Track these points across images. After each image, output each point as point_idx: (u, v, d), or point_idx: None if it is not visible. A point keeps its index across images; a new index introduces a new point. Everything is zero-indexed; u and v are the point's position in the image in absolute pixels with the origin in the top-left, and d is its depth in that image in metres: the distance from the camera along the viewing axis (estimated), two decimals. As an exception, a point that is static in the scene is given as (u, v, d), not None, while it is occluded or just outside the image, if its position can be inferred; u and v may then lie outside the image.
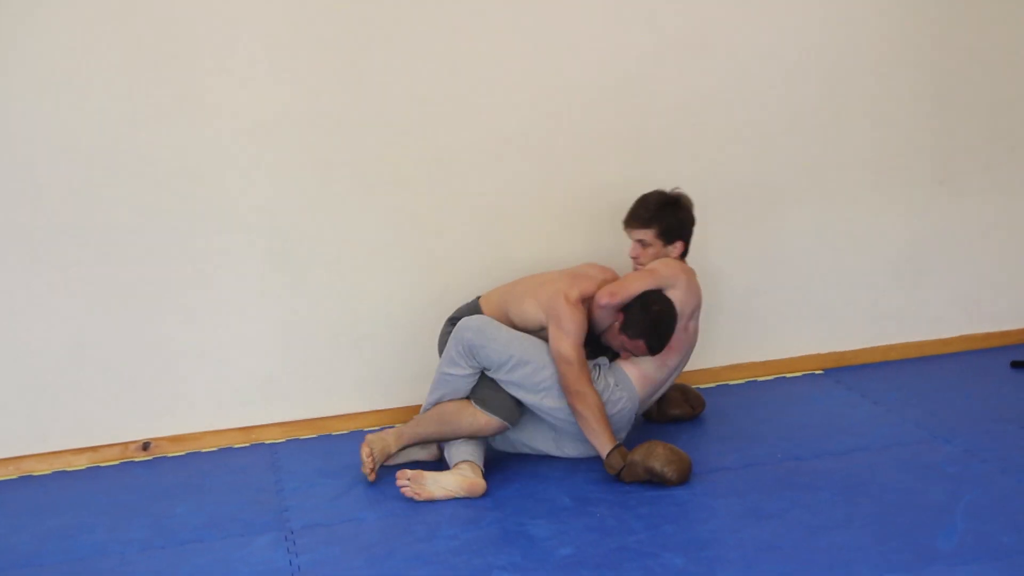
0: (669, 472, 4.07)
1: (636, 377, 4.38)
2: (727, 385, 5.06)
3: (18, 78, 4.39)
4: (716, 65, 4.91)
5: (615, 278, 4.44)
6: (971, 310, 5.30)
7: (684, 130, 4.92)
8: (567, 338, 4.24)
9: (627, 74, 4.84)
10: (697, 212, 4.89)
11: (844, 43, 5.00)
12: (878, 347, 5.23)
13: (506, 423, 4.29)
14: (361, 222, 4.75)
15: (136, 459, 4.67)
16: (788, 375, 5.13)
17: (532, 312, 4.37)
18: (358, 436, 4.70)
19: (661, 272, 4.40)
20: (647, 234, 4.50)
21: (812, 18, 4.97)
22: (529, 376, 4.26)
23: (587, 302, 4.36)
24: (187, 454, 4.69)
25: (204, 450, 4.71)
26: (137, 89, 4.48)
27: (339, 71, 4.63)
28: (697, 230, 4.92)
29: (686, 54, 4.88)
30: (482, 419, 4.27)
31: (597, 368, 4.38)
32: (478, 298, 4.54)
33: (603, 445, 4.18)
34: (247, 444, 4.75)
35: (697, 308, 4.48)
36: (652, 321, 4.28)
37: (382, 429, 4.60)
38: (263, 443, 4.75)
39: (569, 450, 4.40)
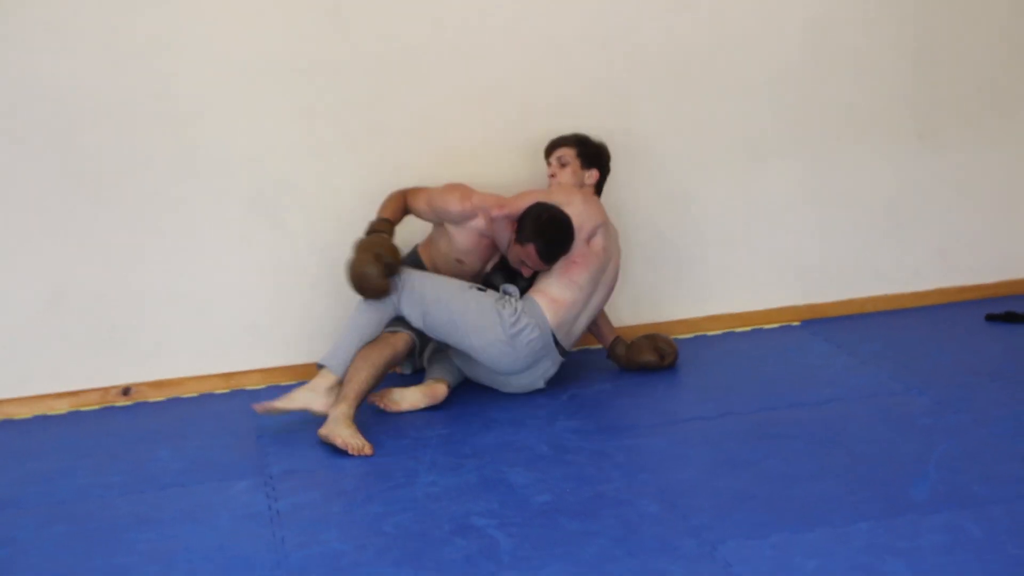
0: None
1: (545, 304, 4.42)
2: (705, 336, 5.10)
3: (-2, 21, 4.37)
4: (699, 18, 4.90)
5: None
6: (948, 263, 5.33)
7: (667, 83, 4.93)
8: (427, 190, 4.55)
9: (610, 26, 4.83)
10: (679, 164, 4.91)
11: (826, -4, 5.01)
12: (855, 299, 5.26)
13: (410, 333, 4.39)
14: (343, 169, 4.75)
15: (117, 404, 4.69)
16: (765, 326, 5.16)
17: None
18: (338, 383, 4.74)
19: (554, 192, 4.56)
20: (567, 152, 4.64)
21: (795, -30, 4.97)
22: (450, 323, 4.36)
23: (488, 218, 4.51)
24: (168, 399, 4.71)
25: (185, 396, 4.73)
26: (117, 34, 4.46)
27: (322, 17, 4.61)
28: (680, 180, 4.97)
29: (669, 6, 4.87)
30: (393, 339, 4.36)
31: (506, 297, 4.43)
32: (416, 248, 4.67)
33: (375, 221, 4.46)
34: (228, 390, 4.77)
35: (600, 227, 4.53)
36: (540, 225, 4.35)
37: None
38: (244, 389, 4.77)
39: (503, 387, 4.52)
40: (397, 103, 4.73)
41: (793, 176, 5.13)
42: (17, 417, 4.61)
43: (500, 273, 4.59)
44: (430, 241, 4.68)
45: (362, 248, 4.32)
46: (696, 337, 5.08)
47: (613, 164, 4.76)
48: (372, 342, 4.35)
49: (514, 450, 4.07)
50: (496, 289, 4.50)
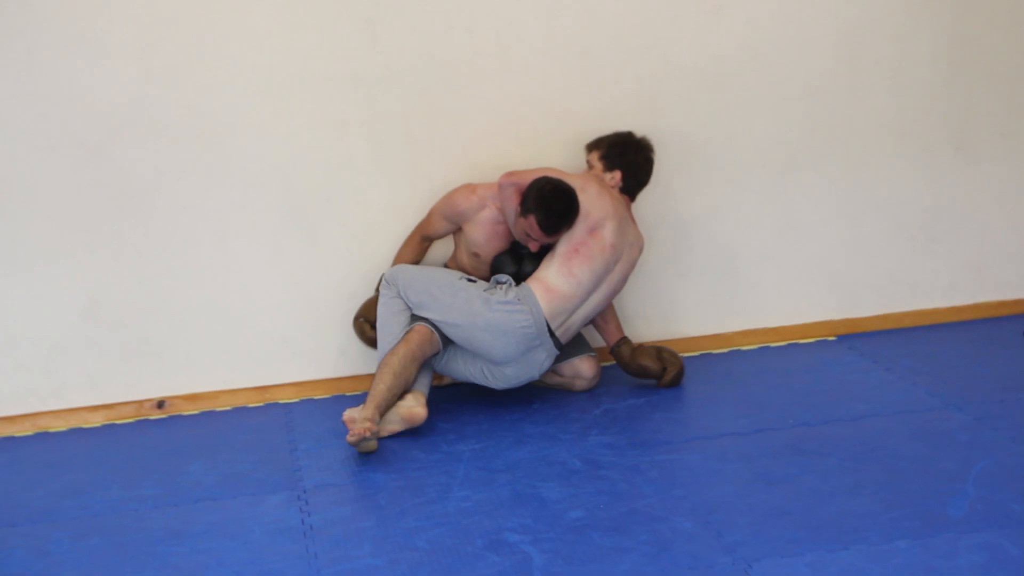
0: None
1: (540, 291, 4.40)
2: (739, 350, 5.07)
3: (34, 36, 4.38)
4: (732, 28, 4.88)
5: None
6: (985, 278, 5.28)
7: (700, 94, 4.90)
8: (434, 207, 4.67)
9: (643, 37, 4.82)
10: (712, 176, 4.89)
11: (861, 7, 4.97)
12: (891, 314, 5.22)
13: (424, 324, 4.41)
14: (376, 182, 4.75)
15: (151, 417, 4.70)
16: (801, 341, 5.13)
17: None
18: (371, 397, 4.74)
19: (572, 175, 4.56)
20: (592, 156, 4.67)
21: (830, -18, 4.95)
22: (443, 316, 4.39)
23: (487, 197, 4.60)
24: (202, 413, 4.72)
25: (219, 409, 4.74)
26: (152, 48, 4.48)
27: (356, 31, 4.62)
28: (713, 193, 4.94)
29: (702, 17, 4.85)
30: (408, 335, 4.39)
31: (497, 285, 4.44)
32: (445, 265, 4.75)
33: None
34: (261, 403, 4.77)
35: (607, 219, 4.48)
36: (543, 196, 4.36)
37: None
38: (277, 403, 4.77)
39: (497, 380, 4.48)
40: (430, 115, 4.73)
41: (827, 189, 5.10)
42: (52, 430, 4.63)
43: (507, 255, 4.60)
44: (454, 254, 4.74)
45: (356, 317, 4.68)
46: (730, 352, 5.05)
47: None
48: (403, 362, 4.37)
49: (547, 465, 4.06)
50: (504, 271, 4.56)
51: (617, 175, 4.64)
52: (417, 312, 4.44)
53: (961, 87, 5.12)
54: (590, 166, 4.67)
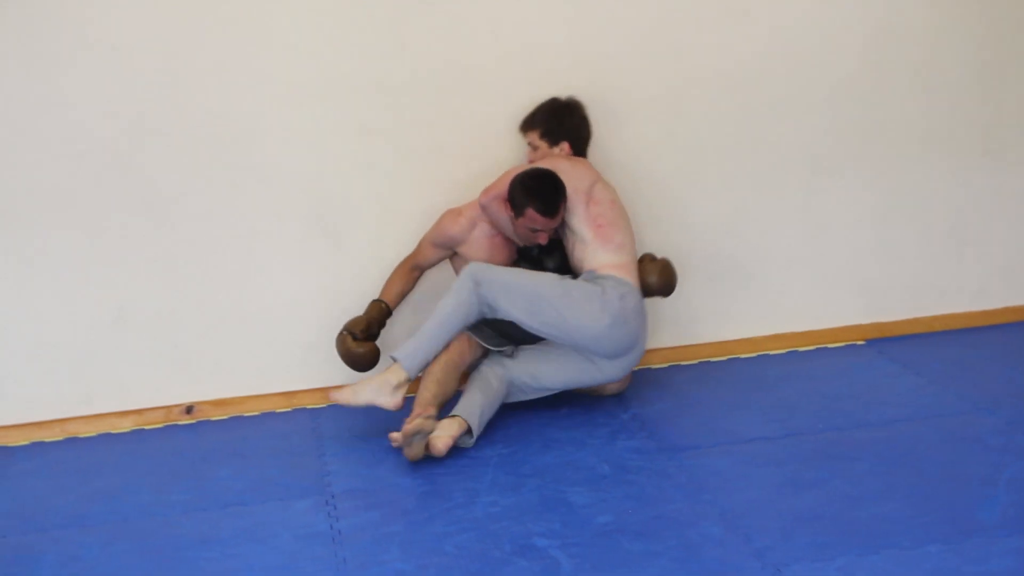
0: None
1: (619, 273, 4.38)
2: (768, 355, 5.05)
3: (59, 46, 4.41)
4: (758, 32, 4.87)
5: None
6: (1015, 281, 5.25)
7: (726, 98, 4.89)
8: (424, 237, 4.66)
9: (668, 42, 4.81)
10: (740, 180, 4.86)
11: (889, 10, 4.94)
12: (921, 318, 5.19)
13: (473, 337, 4.44)
14: (401, 188, 4.75)
15: (180, 422, 4.72)
16: (830, 345, 5.10)
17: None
18: (399, 402, 4.75)
19: (527, 165, 4.54)
20: (532, 136, 4.65)
21: (858, -15, 4.93)
22: (557, 315, 4.30)
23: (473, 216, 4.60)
24: (230, 418, 4.73)
25: (246, 414, 4.75)
26: (178, 54, 4.49)
27: (380, 36, 4.62)
28: (740, 197, 4.93)
29: (728, 21, 4.84)
30: (459, 345, 4.43)
31: (598, 279, 4.38)
32: None
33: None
34: (289, 409, 4.78)
35: (593, 183, 4.50)
36: (526, 187, 4.36)
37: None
38: (305, 408, 4.78)
39: (609, 369, 4.42)
40: (455, 121, 4.73)
41: (856, 192, 5.07)
42: (82, 435, 4.65)
43: (523, 264, 4.59)
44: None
45: (341, 334, 4.61)
46: (759, 356, 5.03)
47: (672, 176, 4.76)
48: (445, 371, 4.38)
49: (575, 469, 4.05)
50: None
51: (565, 146, 4.63)
52: (519, 318, 4.30)
53: (990, 89, 5.09)
54: (534, 148, 4.65)
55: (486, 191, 4.51)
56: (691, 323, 5.01)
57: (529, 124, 4.67)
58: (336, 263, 4.76)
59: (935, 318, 5.21)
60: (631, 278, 4.42)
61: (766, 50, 4.89)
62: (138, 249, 4.60)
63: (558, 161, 4.55)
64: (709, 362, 5.01)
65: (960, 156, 5.12)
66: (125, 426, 4.69)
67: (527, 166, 4.53)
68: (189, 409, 4.73)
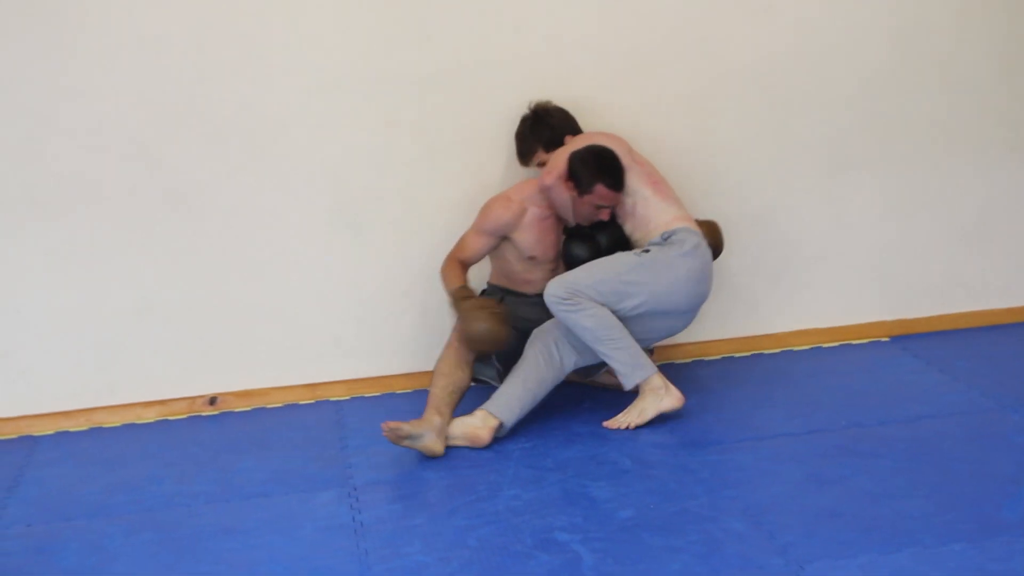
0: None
1: (681, 219, 4.42)
2: (792, 351, 5.03)
3: (87, 37, 4.43)
4: (783, 28, 4.85)
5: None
6: (1042, 279, 5.23)
7: (752, 93, 4.88)
8: (472, 227, 4.56)
9: (694, 36, 4.80)
10: (764, 176, 4.86)
11: (914, 6, 4.92)
12: (946, 315, 5.17)
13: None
14: (427, 181, 4.76)
15: (203, 413, 4.74)
16: (854, 342, 5.09)
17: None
18: (422, 395, 4.72)
19: (569, 145, 4.50)
20: (538, 157, 4.62)
21: (884, -20, 4.90)
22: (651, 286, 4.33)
23: (523, 199, 4.54)
24: (253, 409, 4.75)
25: (270, 406, 4.76)
26: (205, 47, 4.51)
27: (406, 30, 4.62)
28: (765, 194, 4.92)
29: (753, 17, 4.82)
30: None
31: (666, 241, 4.40)
32: (488, 284, 4.71)
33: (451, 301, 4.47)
34: (312, 401, 4.79)
35: (629, 146, 4.54)
36: (592, 164, 4.37)
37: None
38: (328, 400, 4.79)
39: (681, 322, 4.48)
40: (480, 114, 4.73)
41: (881, 189, 5.05)
42: (107, 425, 4.67)
43: (577, 242, 4.56)
44: (497, 269, 4.69)
45: (470, 312, 4.33)
46: (783, 352, 5.02)
47: (697, 173, 4.75)
48: (450, 364, 4.38)
49: (597, 464, 4.05)
50: (582, 255, 4.50)
51: (568, 137, 4.60)
52: (613, 305, 4.29)
53: (1016, 86, 5.06)
54: (544, 164, 4.59)
55: (548, 172, 4.45)
56: (715, 318, 5.00)
57: (528, 151, 4.64)
58: (360, 255, 4.77)
59: (960, 315, 5.18)
60: (696, 227, 4.46)
61: (790, 46, 4.87)
62: (163, 240, 4.62)
63: (591, 137, 4.53)
64: (733, 357, 5.00)
65: (985, 152, 5.10)
66: (149, 416, 4.71)
67: (577, 146, 4.47)
68: (213, 400, 4.75)
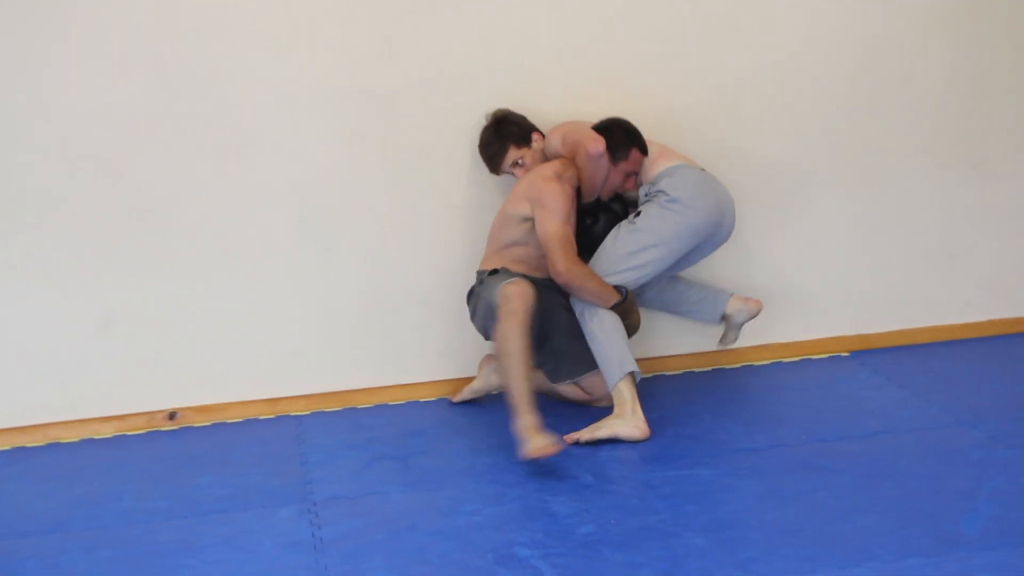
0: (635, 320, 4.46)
1: (679, 157, 4.59)
2: (752, 366, 5.05)
3: (51, 48, 4.40)
4: (749, 46, 4.88)
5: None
6: (1001, 295, 5.27)
7: (716, 111, 4.90)
8: (553, 216, 4.36)
9: (660, 55, 4.82)
10: (731, 193, 4.87)
11: (878, 24, 4.96)
12: (906, 330, 5.20)
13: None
14: (390, 197, 4.75)
15: (163, 428, 4.70)
16: (814, 357, 5.11)
17: (525, 210, 4.47)
18: (384, 410, 4.75)
19: (561, 130, 4.55)
20: (513, 155, 4.59)
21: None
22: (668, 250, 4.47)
23: (567, 177, 4.49)
24: (213, 424, 4.72)
25: (230, 421, 4.74)
26: (168, 62, 4.49)
27: (372, 45, 4.62)
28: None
29: (720, 35, 4.85)
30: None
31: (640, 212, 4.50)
32: (491, 272, 4.48)
33: (609, 299, 4.38)
34: (273, 416, 4.77)
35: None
36: (623, 131, 4.52)
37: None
38: (289, 415, 4.77)
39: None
40: (446, 130, 4.73)
41: (842, 205, 5.08)
42: (64, 440, 4.63)
43: (599, 216, 4.60)
44: (512, 254, 4.52)
45: (634, 305, 4.48)
46: (744, 367, 5.04)
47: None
48: (518, 353, 4.19)
49: (558, 479, 4.05)
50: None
51: (536, 135, 4.65)
52: (641, 280, 4.47)
53: (978, 104, 5.11)
54: (520, 162, 4.59)
55: (596, 140, 4.41)
56: (676, 333, 5.01)
57: (498, 152, 4.60)
58: (322, 270, 4.76)
59: (920, 330, 5.22)
60: (677, 159, 4.57)
61: (757, 64, 4.90)
62: (124, 255, 4.60)
63: (575, 123, 4.59)
64: (693, 372, 5.02)
65: (948, 169, 5.14)
66: (108, 432, 4.67)
67: (568, 130, 4.51)
68: (172, 415, 4.71)
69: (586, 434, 4.30)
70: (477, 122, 4.70)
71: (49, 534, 3.87)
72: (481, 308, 4.42)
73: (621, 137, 4.49)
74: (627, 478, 4.03)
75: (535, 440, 4.03)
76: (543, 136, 4.66)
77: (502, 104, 4.69)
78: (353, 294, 4.78)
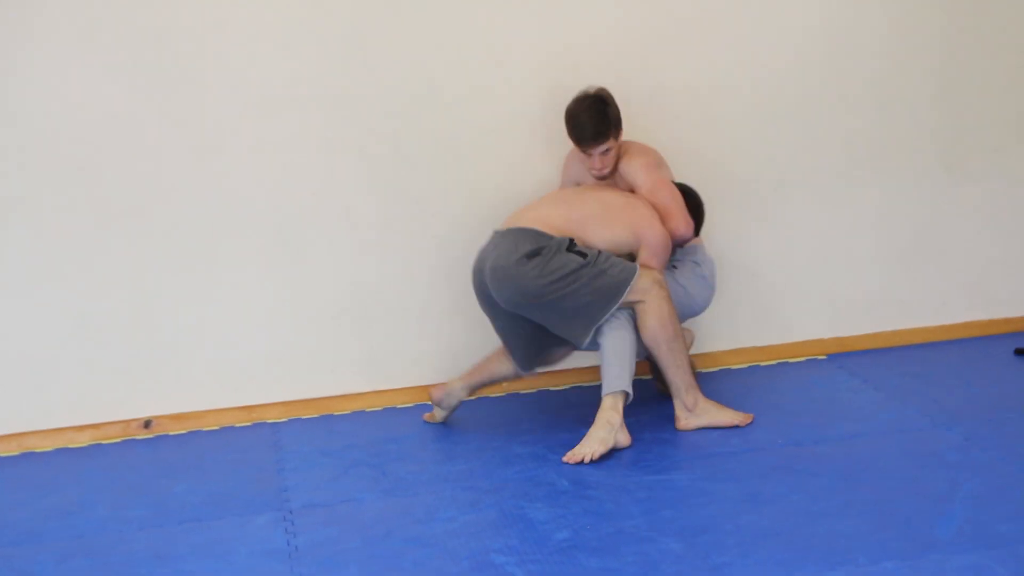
0: None
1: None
2: (728, 370, 5.05)
3: (20, 54, 4.38)
4: (722, 46, 4.88)
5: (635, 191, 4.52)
6: (976, 296, 5.27)
7: (690, 112, 4.90)
8: (660, 265, 4.40)
9: (634, 55, 4.82)
10: (703, 194, 4.87)
11: (850, 26, 4.97)
12: (881, 333, 5.21)
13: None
14: (363, 201, 4.74)
15: (138, 437, 4.68)
16: (790, 360, 5.11)
17: (623, 237, 4.40)
18: (360, 416, 4.74)
19: (651, 157, 4.54)
20: (612, 142, 4.44)
21: (819, 1, 4.94)
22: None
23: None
24: (188, 432, 4.70)
25: (205, 428, 4.72)
26: (143, 66, 4.48)
27: (345, 49, 4.62)
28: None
29: (693, 36, 4.85)
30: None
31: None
32: (545, 235, 4.34)
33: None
34: (249, 423, 4.75)
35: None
36: (701, 211, 4.61)
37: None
38: (265, 422, 4.75)
39: None
40: (420, 134, 4.73)
41: (817, 207, 5.09)
42: (39, 449, 4.61)
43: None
44: (565, 231, 4.38)
45: None
46: (720, 371, 5.04)
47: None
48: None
49: (534, 485, 4.04)
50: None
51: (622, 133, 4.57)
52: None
53: (951, 104, 5.12)
54: (607, 152, 4.45)
55: (689, 224, 4.48)
56: (653, 337, 5.01)
57: (607, 133, 4.40)
58: (297, 276, 4.75)
59: (896, 333, 5.22)
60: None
61: (730, 64, 4.90)
62: (98, 260, 4.58)
63: (663, 166, 4.61)
64: (671, 376, 5.01)
65: (921, 170, 5.15)
66: (83, 440, 4.65)
67: (661, 169, 4.54)
68: (148, 423, 4.69)
69: (589, 453, 4.19)
70: (452, 128, 4.70)
71: (22, 544, 3.85)
72: (594, 284, 4.26)
73: (695, 217, 4.55)
74: (603, 483, 4.03)
75: (726, 410, 4.38)
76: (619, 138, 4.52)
77: (480, 111, 4.69)
78: (329, 300, 4.77)
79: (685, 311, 4.54)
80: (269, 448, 4.49)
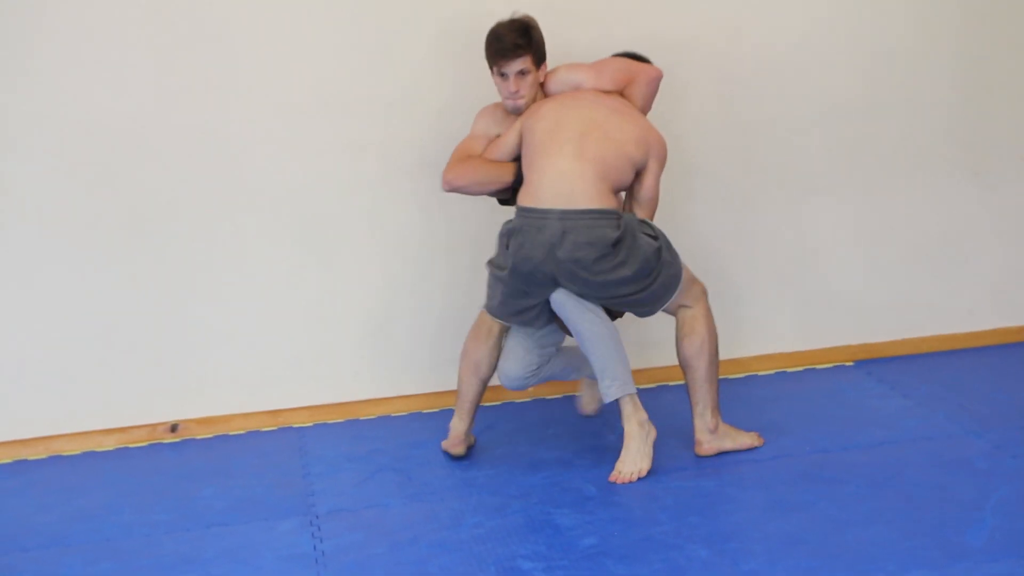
0: None
1: None
2: (755, 376, 5.03)
3: (46, 58, 4.40)
4: (749, 52, 4.87)
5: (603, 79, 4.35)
6: (1005, 303, 5.24)
7: (716, 118, 4.89)
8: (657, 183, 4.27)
9: (660, 60, 4.79)
10: (728, 200, 4.85)
11: (878, 31, 4.95)
12: (909, 339, 5.18)
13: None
14: (390, 204, 4.74)
15: (164, 441, 4.69)
16: (817, 366, 5.09)
17: (637, 154, 4.23)
18: (386, 421, 4.73)
19: (583, 65, 4.39)
20: (531, 64, 4.21)
21: (846, 5, 4.91)
22: None
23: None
24: (215, 436, 4.70)
25: (232, 433, 4.72)
26: (168, 71, 4.49)
27: (370, 53, 4.62)
28: (729, 217, 4.93)
29: (719, 41, 4.84)
30: None
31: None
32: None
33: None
34: (275, 427, 4.75)
35: None
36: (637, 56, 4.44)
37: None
38: (291, 427, 4.75)
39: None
40: (445, 139, 4.70)
41: (846, 212, 5.07)
42: (66, 453, 4.62)
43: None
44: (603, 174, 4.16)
45: None
46: (747, 377, 5.02)
47: (662, 195, 4.67)
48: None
49: (561, 491, 4.03)
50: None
51: (546, 66, 4.35)
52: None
53: (980, 110, 5.09)
54: (524, 73, 4.21)
55: (651, 67, 4.37)
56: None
57: (525, 46, 4.17)
58: (323, 280, 4.75)
59: (924, 339, 5.19)
60: None
61: (756, 69, 4.89)
62: (125, 265, 4.59)
63: (581, 64, 4.45)
64: (697, 382, 4.99)
65: (950, 177, 5.12)
66: (109, 444, 4.66)
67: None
68: (174, 427, 4.70)
69: (631, 474, 4.11)
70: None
71: (49, 548, 3.86)
72: (662, 270, 4.13)
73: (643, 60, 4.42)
74: (629, 489, 4.01)
75: (742, 432, 4.29)
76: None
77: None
78: (355, 305, 4.77)
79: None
80: (295, 453, 4.49)
